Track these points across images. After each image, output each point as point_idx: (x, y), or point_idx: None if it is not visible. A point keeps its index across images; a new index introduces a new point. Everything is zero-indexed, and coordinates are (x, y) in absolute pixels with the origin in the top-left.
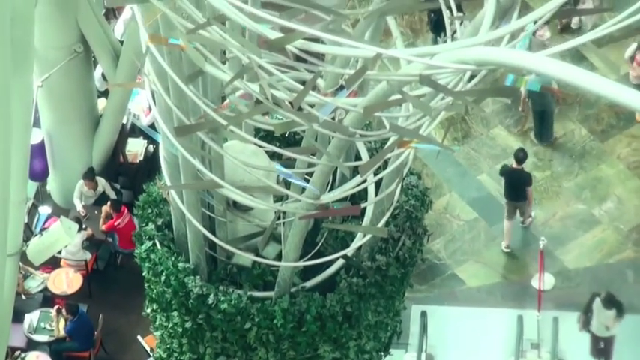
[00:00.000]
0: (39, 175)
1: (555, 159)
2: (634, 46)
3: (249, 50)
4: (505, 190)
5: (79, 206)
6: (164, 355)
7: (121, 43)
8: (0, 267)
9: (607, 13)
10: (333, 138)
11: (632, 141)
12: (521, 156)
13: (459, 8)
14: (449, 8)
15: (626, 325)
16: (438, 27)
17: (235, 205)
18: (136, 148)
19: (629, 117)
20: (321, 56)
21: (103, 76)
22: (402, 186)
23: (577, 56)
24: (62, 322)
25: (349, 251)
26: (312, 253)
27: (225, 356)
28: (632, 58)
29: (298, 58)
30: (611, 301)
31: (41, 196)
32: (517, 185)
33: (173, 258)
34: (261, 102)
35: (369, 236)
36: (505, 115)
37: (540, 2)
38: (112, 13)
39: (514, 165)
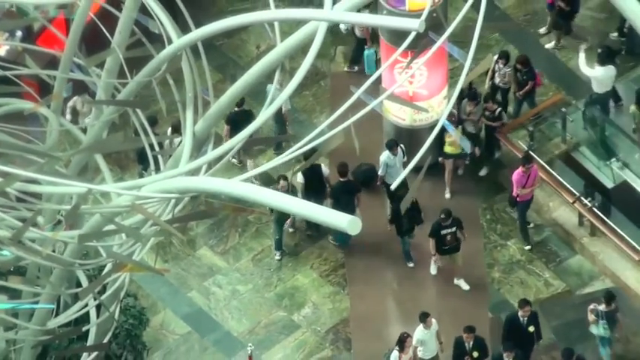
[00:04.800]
0: None
1: (256, 273)
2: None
3: None
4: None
5: None
6: None
7: None
8: None
9: None
10: (55, 268)
11: (323, 252)
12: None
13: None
14: (151, 145)
15: None
16: (143, 158)
17: None
18: None
19: (320, 230)
20: (39, 195)
21: None
22: (120, 307)
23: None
24: None
25: None
26: None
27: None
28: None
29: (18, 199)
30: None
31: None
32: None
33: None
34: None
35: (94, 355)
36: (209, 237)
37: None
38: None
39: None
